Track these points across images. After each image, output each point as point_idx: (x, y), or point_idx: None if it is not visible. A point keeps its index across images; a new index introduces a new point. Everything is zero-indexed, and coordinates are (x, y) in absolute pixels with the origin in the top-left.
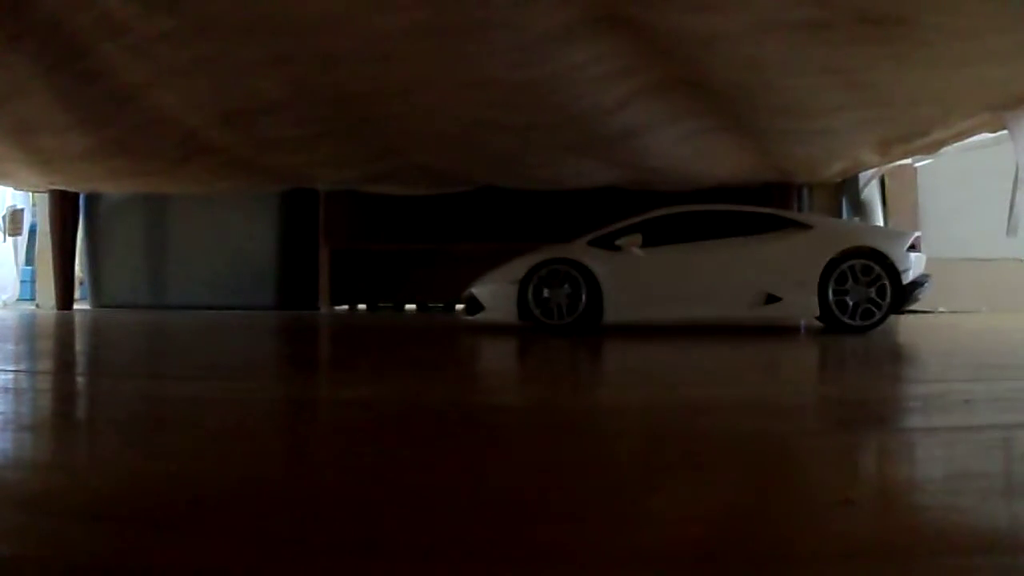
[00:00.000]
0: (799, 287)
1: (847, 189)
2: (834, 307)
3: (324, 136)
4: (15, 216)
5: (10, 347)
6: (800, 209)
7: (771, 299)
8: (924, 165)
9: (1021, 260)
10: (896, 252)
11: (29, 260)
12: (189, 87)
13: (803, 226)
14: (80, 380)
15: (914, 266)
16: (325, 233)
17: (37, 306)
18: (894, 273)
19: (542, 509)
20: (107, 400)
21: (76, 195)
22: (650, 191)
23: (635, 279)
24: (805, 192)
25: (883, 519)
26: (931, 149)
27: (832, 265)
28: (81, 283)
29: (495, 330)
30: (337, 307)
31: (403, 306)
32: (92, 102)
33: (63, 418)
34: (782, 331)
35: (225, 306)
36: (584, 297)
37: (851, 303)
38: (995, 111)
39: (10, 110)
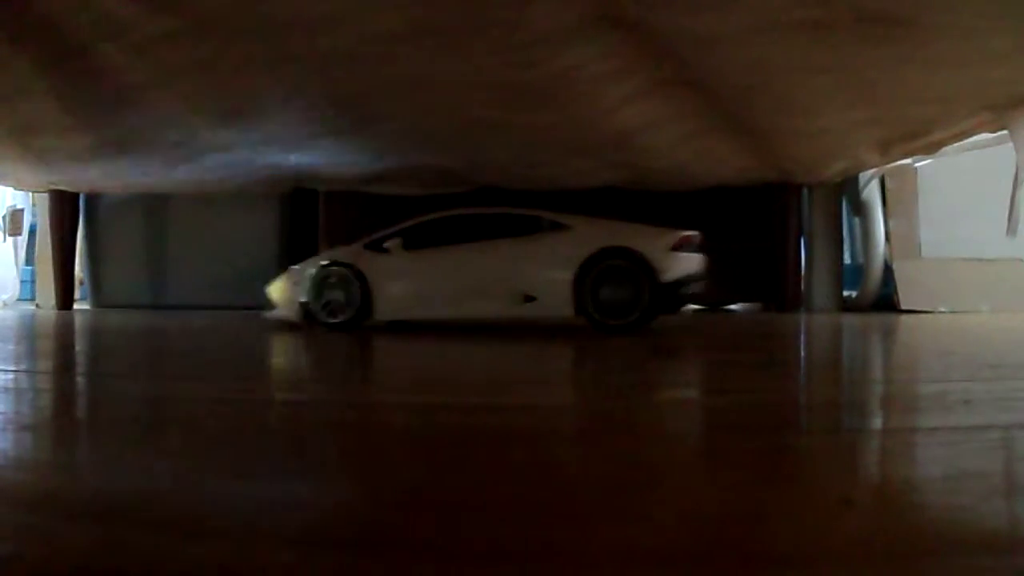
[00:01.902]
0: (554, 286)
1: (847, 189)
2: (590, 306)
3: (324, 136)
4: (15, 216)
5: (10, 347)
6: (800, 209)
7: (529, 298)
8: (924, 165)
9: (1021, 260)
10: (653, 252)
11: (29, 260)
12: (189, 87)
13: (562, 227)
14: (80, 380)
15: (676, 265)
16: (325, 233)
17: (37, 306)
18: (651, 272)
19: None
20: (107, 400)
21: (76, 195)
22: (650, 191)
23: (402, 280)
24: (805, 192)
25: (883, 519)
26: (931, 149)
27: (588, 265)
28: (81, 283)
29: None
30: None
31: None
32: (92, 102)
33: (63, 418)
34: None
35: (225, 306)
36: (357, 297)
37: (608, 302)
38: (995, 111)
39: (10, 110)
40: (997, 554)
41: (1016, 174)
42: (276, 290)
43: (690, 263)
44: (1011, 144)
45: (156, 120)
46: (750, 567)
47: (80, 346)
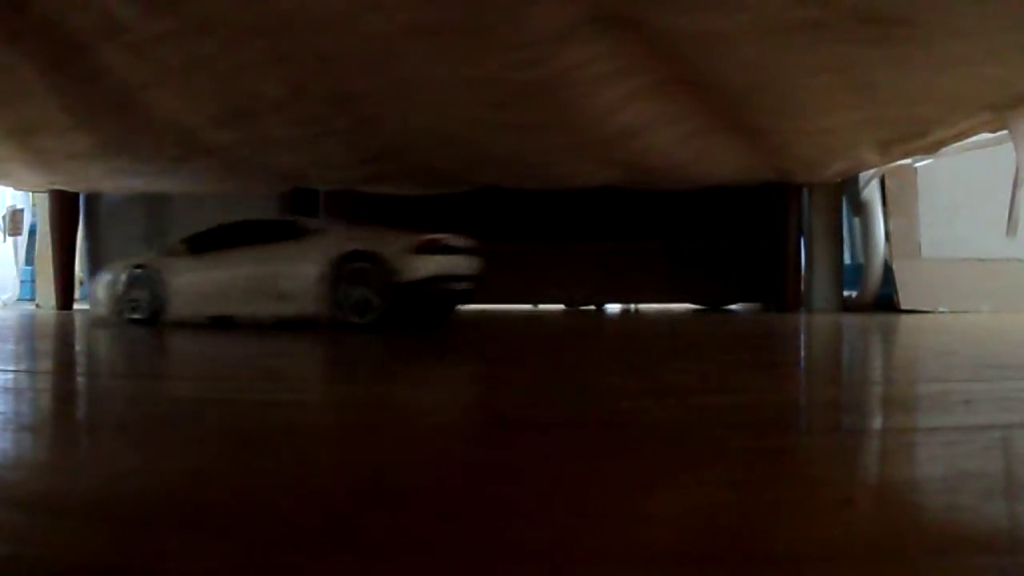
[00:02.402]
0: (307, 287)
1: (847, 189)
2: (335, 305)
3: (324, 136)
4: (15, 216)
5: (10, 347)
6: (800, 209)
7: (285, 297)
8: (924, 165)
9: (1021, 260)
10: (392, 254)
11: (29, 260)
12: (189, 87)
13: (317, 232)
14: (80, 380)
15: (417, 267)
16: None
17: (37, 306)
18: (391, 274)
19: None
20: (107, 400)
21: (76, 195)
22: (650, 191)
23: (188, 282)
24: (805, 192)
25: (884, 519)
26: (931, 149)
27: (334, 267)
28: (81, 283)
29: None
30: None
31: None
32: (92, 102)
33: (63, 418)
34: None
35: None
36: (156, 296)
37: (350, 301)
38: (995, 111)
39: (10, 110)
40: (997, 554)
41: (1016, 174)
42: (98, 287)
43: (436, 265)
44: (1011, 144)
45: (156, 120)
46: (750, 567)
47: (80, 346)
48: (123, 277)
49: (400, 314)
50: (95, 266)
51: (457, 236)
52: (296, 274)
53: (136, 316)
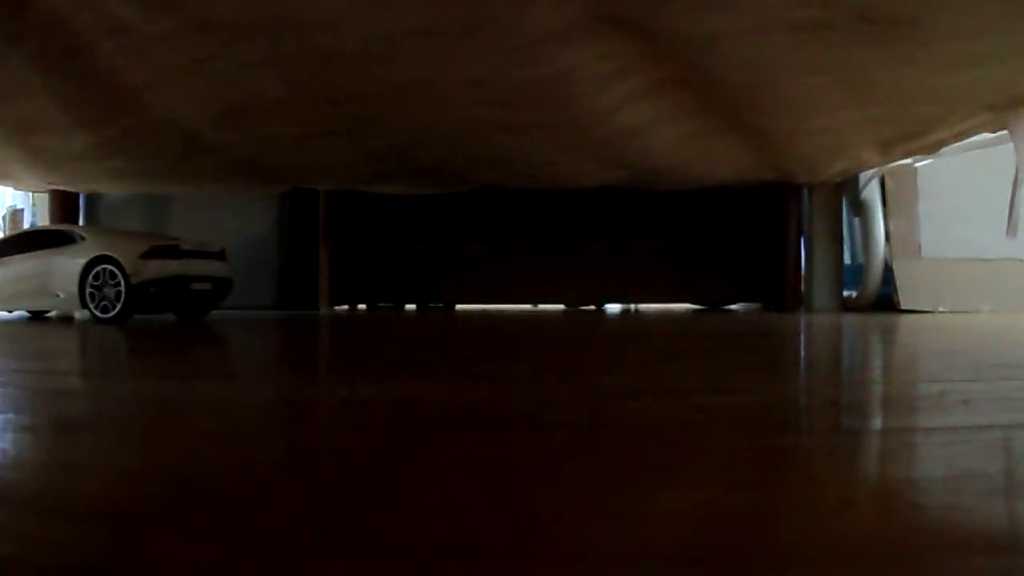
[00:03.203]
0: (69, 287)
1: (847, 189)
2: (89, 303)
3: (324, 136)
4: (15, 216)
5: (10, 347)
6: (800, 209)
7: (53, 295)
8: (924, 165)
9: (1021, 260)
10: (126, 258)
11: None
12: (189, 87)
13: (80, 239)
14: (79, 380)
15: (144, 270)
16: (325, 233)
17: None
18: (126, 276)
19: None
20: (106, 400)
21: (76, 195)
22: (650, 191)
23: None
24: (805, 192)
25: (883, 519)
26: (931, 149)
27: (85, 270)
28: None
29: None
30: (337, 307)
31: (403, 306)
32: (92, 102)
33: (63, 418)
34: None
35: (225, 306)
36: None
37: (99, 299)
38: (995, 111)
39: (10, 110)
40: (997, 554)
41: (1016, 174)
42: None
43: (160, 268)
44: (1011, 144)
45: (156, 120)
46: (750, 567)
47: (79, 346)
48: None
49: (137, 310)
50: None
51: (197, 241)
52: (62, 277)
53: None
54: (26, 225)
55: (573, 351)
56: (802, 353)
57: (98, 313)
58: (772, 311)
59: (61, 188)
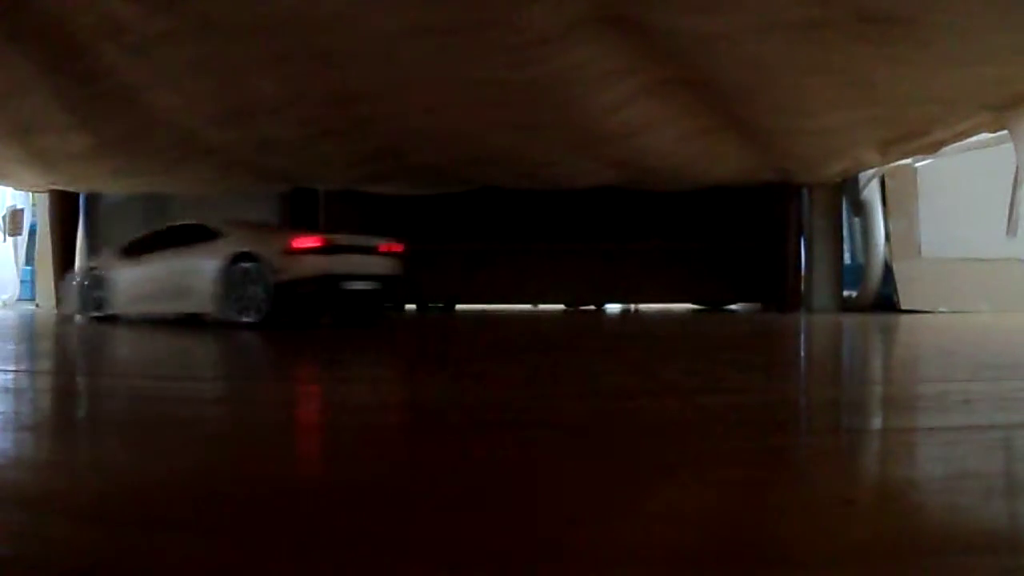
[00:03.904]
0: (203, 287)
1: (847, 189)
2: (227, 304)
3: (324, 136)
4: (15, 216)
5: (10, 347)
6: (800, 209)
7: (188, 296)
8: (924, 165)
9: (1021, 260)
10: (266, 255)
11: (29, 260)
12: (189, 87)
13: (220, 235)
14: (80, 380)
15: (290, 267)
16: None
17: (37, 306)
18: (271, 274)
19: None
20: (106, 400)
21: (76, 195)
22: (650, 191)
23: (125, 283)
24: (805, 192)
25: (884, 519)
26: (931, 149)
27: (224, 268)
28: None
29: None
30: None
31: (403, 306)
32: (92, 102)
33: (63, 418)
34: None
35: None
36: (104, 295)
37: (241, 300)
38: (995, 111)
39: (10, 110)
40: (997, 554)
41: (1016, 174)
42: (63, 287)
43: (308, 265)
44: (1011, 144)
45: (156, 120)
46: (750, 567)
47: (79, 346)
48: (85, 278)
49: (284, 313)
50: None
51: (357, 236)
52: (197, 276)
53: (96, 313)
54: (26, 225)
55: (573, 351)
56: (802, 353)
57: (240, 317)
58: (772, 311)
59: (61, 188)
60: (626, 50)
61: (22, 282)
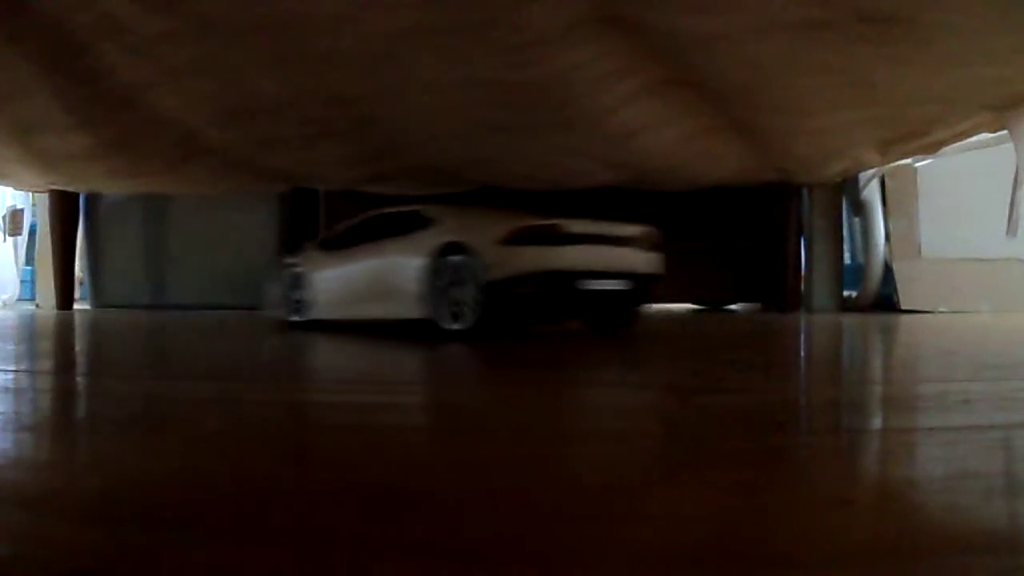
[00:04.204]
0: (406, 286)
1: (847, 189)
2: (434, 308)
3: (324, 136)
4: (15, 216)
5: (10, 347)
6: (800, 209)
7: (390, 299)
8: (924, 165)
9: (1021, 260)
10: (482, 245)
11: (29, 260)
12: (189, 87)
13: (429, 222)
14: (80, 380)
15: (506, 261)
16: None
17: (37, 306)
18: (482, 270)
19: None
20: (106, 400)
21: (76, 195)
22: (650, 191)
23: (325, 282)
24: (805, 192)
25: (883, 519)
26: (931, 149)
27: (431, 263)
28: (81, 283)
29: None
30: None
31: None
32: (92, 102)
33: (63, 418)
34: None
35: (225, 306)
36: (304, 297)
37: (450, 303)
38: (995, 111)
39: (11, 110)
40: (997, 554)
41: (1016, 174)
42: (274, 286)
43: (531, 258)
44: (1011, 144)
45: (156, 120)
46: (750, 567)
47: (80, 346)
48: (286, 277)
49: (500, 318)
50: (95, 266)
51: (599, 221)
52: (400, 273)
53: (296, 318)
54: (26, 225)
55: (574, 351)
56: (802, 353)
57: (447, 323)
58: (772, 311)
59: (61, 188)
60: (626, 50)
61: (22, 282)
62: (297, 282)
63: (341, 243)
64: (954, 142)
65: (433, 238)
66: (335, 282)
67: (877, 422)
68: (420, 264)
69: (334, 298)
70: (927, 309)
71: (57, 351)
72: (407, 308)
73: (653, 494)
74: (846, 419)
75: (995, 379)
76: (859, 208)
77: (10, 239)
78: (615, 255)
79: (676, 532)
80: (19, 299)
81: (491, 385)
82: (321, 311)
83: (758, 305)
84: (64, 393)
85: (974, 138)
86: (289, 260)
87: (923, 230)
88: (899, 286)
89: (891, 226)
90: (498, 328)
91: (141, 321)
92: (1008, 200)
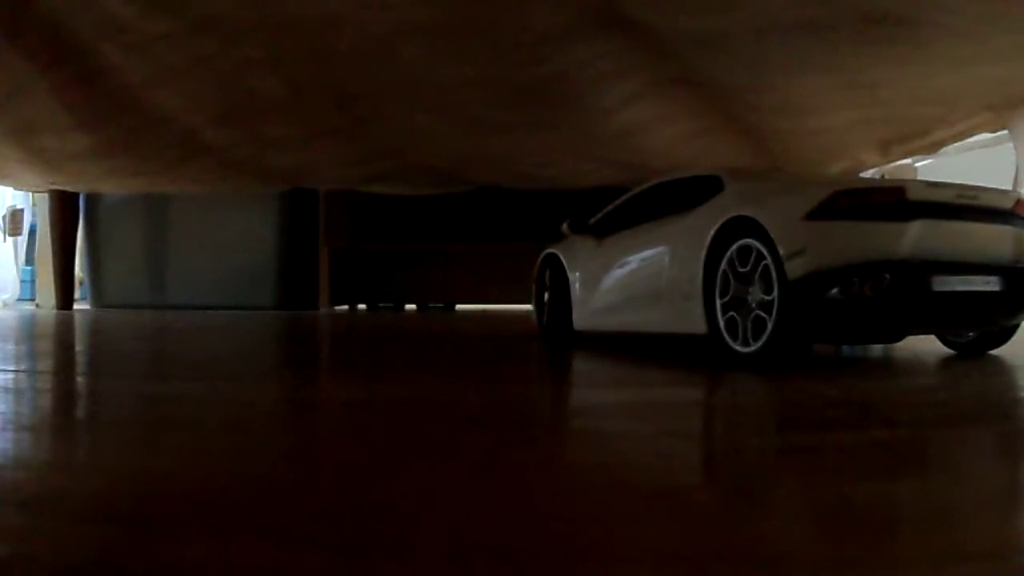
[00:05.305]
0: (679, 287)
1: None
2: (718, 319)
3: (324, 136)
4: (15, 216)
5: (10, 347)
6: None
7: (669, 305)
8: (924, 165)
9: None
10: (779, 223)
11: (29, 260)
12: (189, 87)
13: (720, 189)
14: (80, 380)
15: (820, 248)
16: (325, 233)
17: (37, 306)
18: (777, 261)
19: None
20: (107, 400)
21: (76, 195)
22: None
23: (591, 279)
24: None
25: (883, 519)
26: (931, 149)
27: (713, 251)
28: (81, 283)
29: None
30: (337, 307)
31: (403, 306)
32: (92, 102)
33: (63, 418)
34: None
35: (225, 306)
36: (556, 298)
37: (742, 313)
38: (995, 111)
39: (10, 110)
40: (996, 557)
41: (1016, 174)
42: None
43: (859, 242)
44: (1011, 144)
45: (156, 120)
46: (750, 567)
47: (80, 346)
48: (538, 270)
49: (809, 336)
50: (95, 266)
51: (961, 185)
52: (674, 266)
53: (558, 330)
54: (26, 225)
55: (570, 350)
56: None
57: (735, 342)
58: None
59: (61, 188)
60: (626, 50)
61: (22, 282)
62: (555, 281)
63: (614, 226)
64: (954, 142)
65: (716, 213)
66: (599, 282)
67: (877, 421)
68: (699, 254)
69: (598, 304)
70: None
71: (57, 351)
72: (683, 319)
73: (653, 493)
74: (846, 419)
75: (985, 379)
76: None
77: (10, 239)
78: (990, 236)
79: (676, 532)
80: (19, 299)
81: None
82: (583, 321)
83: None
84: (64, 393)
85: (974, 138)
86: (549, 250)
87: None
88: None
89: None
90: (804, 350)
91: (141, 321)
92: None
